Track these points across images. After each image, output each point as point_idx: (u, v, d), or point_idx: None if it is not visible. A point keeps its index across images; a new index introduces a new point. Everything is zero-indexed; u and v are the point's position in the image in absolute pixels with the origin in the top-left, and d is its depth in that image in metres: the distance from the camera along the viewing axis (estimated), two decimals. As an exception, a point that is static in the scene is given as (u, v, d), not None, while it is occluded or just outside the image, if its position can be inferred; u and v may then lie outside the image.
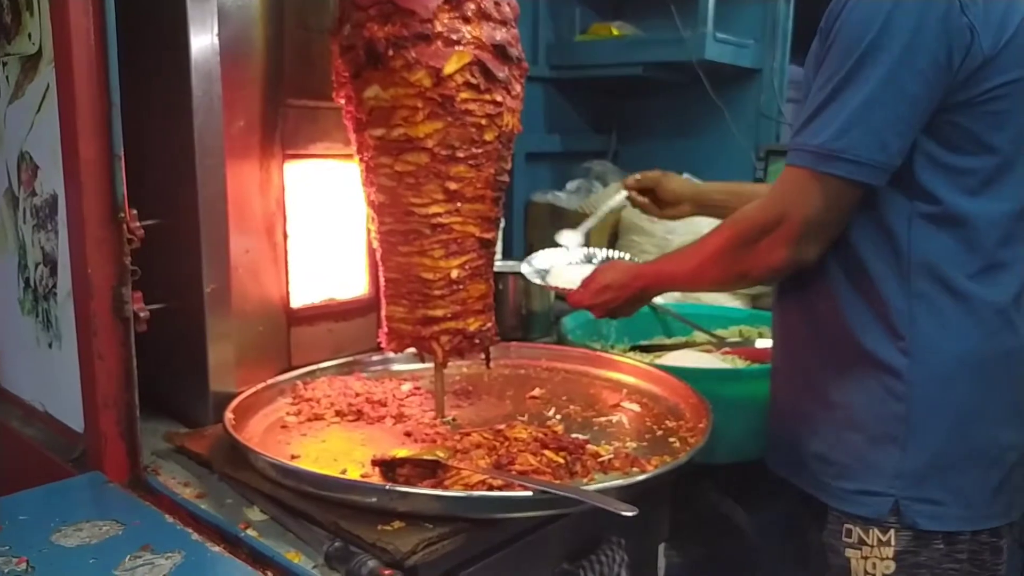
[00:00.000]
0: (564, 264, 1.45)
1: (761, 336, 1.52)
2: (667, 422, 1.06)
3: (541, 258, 1.46)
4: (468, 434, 0.97)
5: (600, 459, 0.91)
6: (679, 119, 2.11)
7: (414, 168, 0.99)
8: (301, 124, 1.14)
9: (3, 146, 1.09)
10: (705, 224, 1.85)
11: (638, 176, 1.45)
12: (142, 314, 0.92)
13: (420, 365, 1.22)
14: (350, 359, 1.23)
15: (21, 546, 0.72)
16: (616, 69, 1.93)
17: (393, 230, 1.04)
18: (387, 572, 0.70)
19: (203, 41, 1.00)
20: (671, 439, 1.01)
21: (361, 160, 1.04)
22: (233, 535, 0.78)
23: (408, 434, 1.01)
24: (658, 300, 1.77)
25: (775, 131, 1.96)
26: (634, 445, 0.98)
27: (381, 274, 1.09)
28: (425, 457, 0.86)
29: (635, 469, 0.89)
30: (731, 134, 1.94)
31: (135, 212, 0.90)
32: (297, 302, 1.18)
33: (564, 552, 0.91)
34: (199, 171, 1.01)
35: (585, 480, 0.87)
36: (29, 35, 0.98)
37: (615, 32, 2.00)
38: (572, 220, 1.98)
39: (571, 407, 1.11)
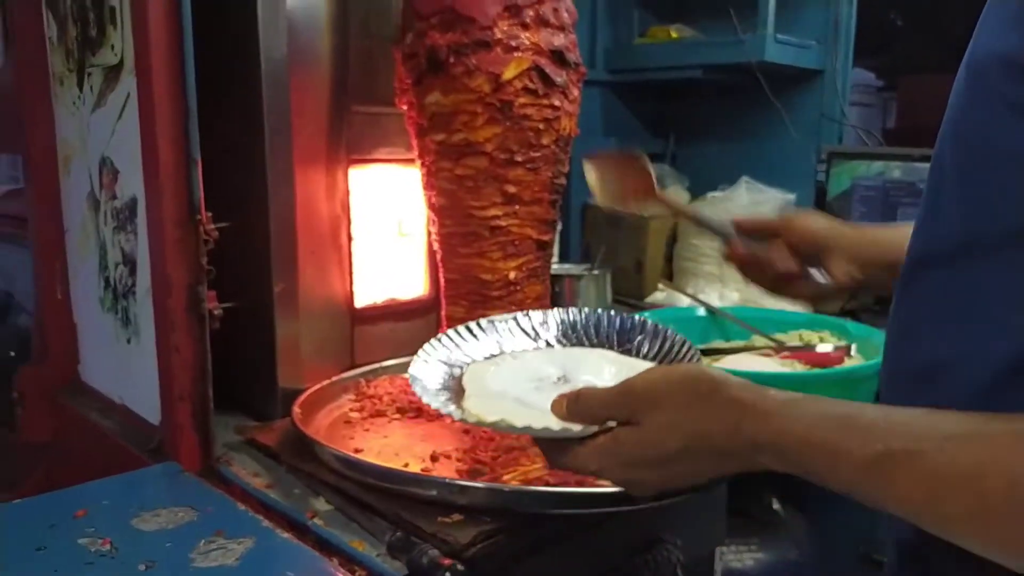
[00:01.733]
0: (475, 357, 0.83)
1: (822, 340, 1.50)
2: (724, 424, 1.06)
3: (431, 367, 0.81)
4: None
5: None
6: (738, 122, 2.10)
7: (473, 172, 1.02)
8: (365, 130, 1.18)
9: (87, 153, 1.15)
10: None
11: (742, 220, 0.93)
12: (215, 312, 0.97)
13: (478, 365, 1.24)
14: (411, 358, 1.26)
15: (104, 529, 0.77)
16: (675, 72, 1.93)
17: (453, 232, 1.07)
18: (447, 562, 0.72)
19: (273, 50, 1.04)
20: (728, 440, 1.01)
21: (422, 164, 1.07)
22: (301, 523, 0.81)
23: (467, 431, 1.03)
24: (716, 303, 1.77)
25: (837, 133, 1.94)
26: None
27: (441, 275, 1.12)
28: None
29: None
30: (791, 136, 1.92)
31: (210, 215, 0.95)
32: (361, 302, 1.22)
33: (621, 549, 0.92)
34: (270, 176, 1.05)
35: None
36: (112, 47, 1.03)
37: (674, 35, 2.00)
38: (629, 223, 1.99)
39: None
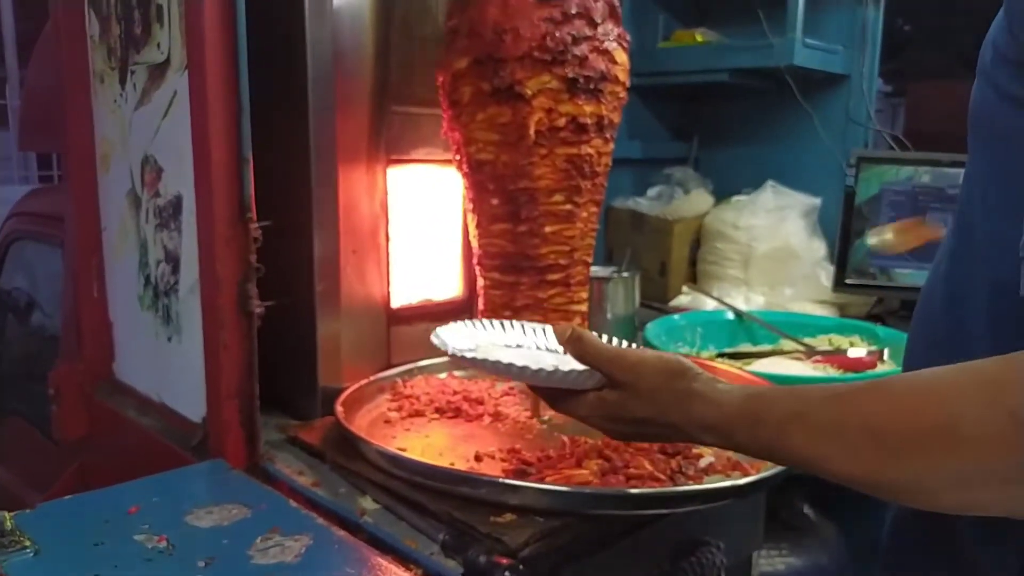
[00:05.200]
0: (496, 342, 0.91)
1: (852, 345, 1.50)
2: (764, 427, 1.06)
3: (457, 333, 0.90)
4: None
5: (701, 460, 0.92)
6: (762, 125, 2.10)
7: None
8: (404, 130, 1.18)
9: (127, 150, 1.15)
10: (794, 230, 1.84)
11: None
12: (257, 310, 0.97)
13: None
14: (446, 359, 1.26)
15: (159, 525, 0.77)
16: (701, 76, 1.93)
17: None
18: (505, 561, 0.72)
19: (320, 49, 1.04)
20: (770, 444, 1.01)
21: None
22: (353, 522, 0.81)
23: (508, 433, 1.04)
24: (741, 306, 1.77)
25: (864, 137, 1.93)
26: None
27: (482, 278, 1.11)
28: None
29: (737, 472, 0.90)
30: (818, 141, 1.92)
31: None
32: (397, 302, 1.22)
33: (667, 551, 0.92)
34: (314, 175, 1.05)
35: (692, 483, 0.88)
36: (158, 45, 1.03)
37: (699, 39, 2.00)
38: (653, 226, 1.99)
39: (667, 410, 1.12)
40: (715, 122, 2.21)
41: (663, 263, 1.97)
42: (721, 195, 2.06)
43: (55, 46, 1.24)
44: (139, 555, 0.71)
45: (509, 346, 0.91)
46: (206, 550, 0.72)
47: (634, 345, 0.85)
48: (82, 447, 1.32)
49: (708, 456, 0.93)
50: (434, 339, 0.85)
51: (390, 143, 1.17)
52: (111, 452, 1.25)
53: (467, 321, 0.92)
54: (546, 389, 0.77)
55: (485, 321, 0.93)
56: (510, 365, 0.76)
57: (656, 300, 1.94)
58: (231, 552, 0.72)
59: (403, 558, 0.76)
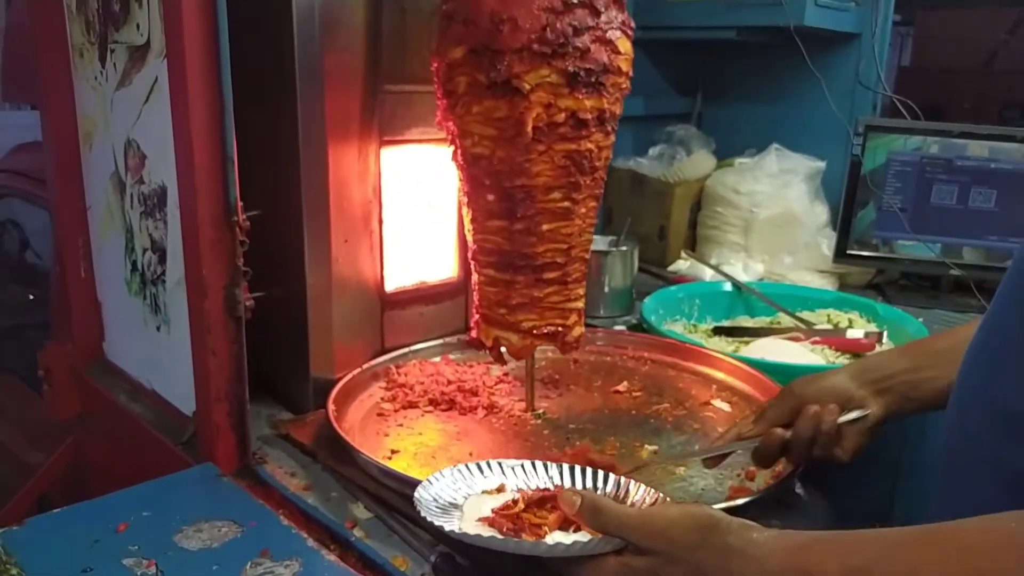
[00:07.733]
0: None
1: (851, 324, 1.48)
2: (761, 425, 1.05)
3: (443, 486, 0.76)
4: None
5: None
6: (770, 84, 2.03)
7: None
8: (398, 109, 1.14)
9: (110, 131, 1.10)
10: (796, 195, 1.79)
11: (753, 424, 0.91)
12: (247, 303, 0.94)
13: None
14: (440, 342, 1.25)
15: (148, 547, 0.76)
16: (709, 32, 1.86)
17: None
18: (495, 593, 0.71)
19: (307, 27, 0.99)
20: (766, 445, 1.00)
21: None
22: (344, 538, 0.80)
23: (502, 431, 1.03)
24: (740, 274, 1.74)
25: (872, 101, 1.87)
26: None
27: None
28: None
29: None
30: (825, 103, 1.85)
31: (241, 204, 0.91)
32: (391, 286, 1.19)
33: None
34: (303, 161, 1.01)
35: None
36: (137, 26, 0.98)
37: (707, -8, 1.91)
38: (653, 188, 1.95)
39: (662, 405, 1.11)
40: (721, 79, 2.14)
41: (663, 227, 1.93)
42: (724, 154, 2.01)
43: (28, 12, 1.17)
44: (128, 582, 0.71)
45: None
46: (196, 577, 0.72)
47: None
48: (76, 423, 1.31)
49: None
50: (419, 507, 0.72)
51: (383, 123, 1.12)
52: (103, 434, 1.25)
53: (452, 468, 0.78)
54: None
55: (471, 465, 0.79)
56: (520, 543, 0.66)
57: (655, 264, 1.92)
58: (221, 579, 0.71)
59: (394, 580, 0.75)
